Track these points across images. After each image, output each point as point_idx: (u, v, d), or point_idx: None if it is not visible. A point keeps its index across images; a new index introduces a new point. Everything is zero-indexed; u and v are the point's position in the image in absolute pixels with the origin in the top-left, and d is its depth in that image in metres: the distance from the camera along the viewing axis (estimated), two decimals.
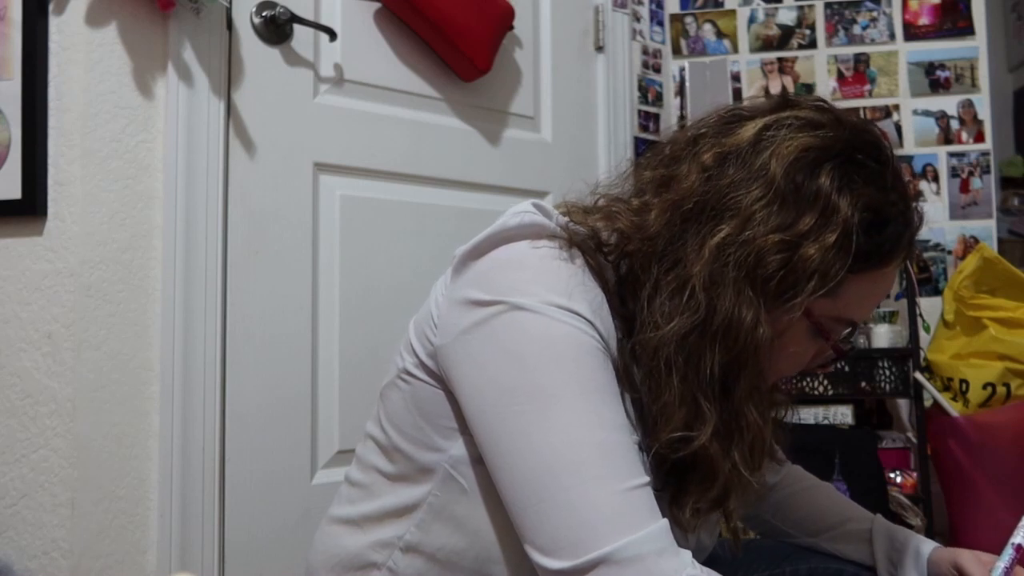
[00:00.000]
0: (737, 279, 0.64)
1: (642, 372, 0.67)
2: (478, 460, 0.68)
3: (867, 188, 0.66)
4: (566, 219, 0.71)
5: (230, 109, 1.35)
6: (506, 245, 0.68)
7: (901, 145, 2.27)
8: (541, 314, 0.63)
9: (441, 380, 0.70)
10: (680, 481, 0.69)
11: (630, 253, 0.69)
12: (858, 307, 0.70)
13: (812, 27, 2.32)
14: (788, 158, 0.65)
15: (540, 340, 0.63)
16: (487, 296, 0.65)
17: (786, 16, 2.34)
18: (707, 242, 0.65)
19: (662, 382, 0.66)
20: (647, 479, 0.63)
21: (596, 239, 0.70)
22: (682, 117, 2.22)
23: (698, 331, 0.65)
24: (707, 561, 0.76)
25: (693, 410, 0.66)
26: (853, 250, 0.64)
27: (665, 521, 0.62)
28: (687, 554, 0.62)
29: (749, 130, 0.68)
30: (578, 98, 1.90)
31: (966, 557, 0.80)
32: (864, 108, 2.29)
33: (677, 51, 2.37)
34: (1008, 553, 0.72)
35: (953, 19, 2.27)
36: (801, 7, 2.33)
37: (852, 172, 0.66)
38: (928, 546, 0.83)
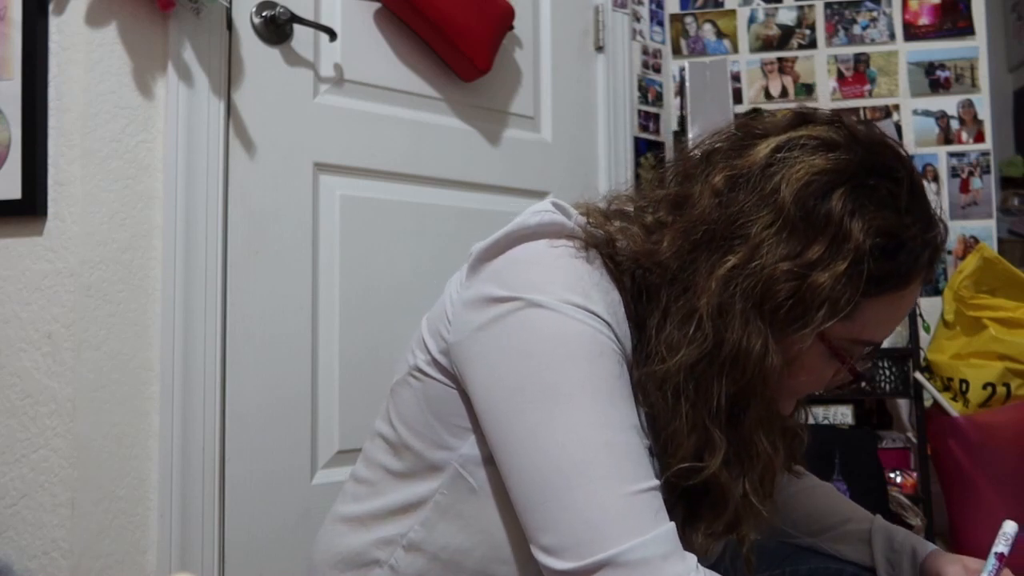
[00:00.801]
0: (745, 309, 0.64)
1: (652, 399, 0.67)
2: (488, 460, 0.68)
3: (880, 212, 0.64)
4: (585, 219, 0.71)
5: (230, 109, 1.35)
6: (524, 244, 0.68)
7: (901, 145, 2.26)
8: (557, 311, 0.63)
9: (454, 377, 0.70)
10: (692, 506, 0.68)
11: (643, 267, 0.69)
12: (877, 329, 0.69)
13: (812, 27, 2.33)
14: (799, 183, 0.64)
15: (555, 337, 0.63)
16: (504, 293, 0.65)
17: (786, 16, 2.34)
18: (715, 271, 0.64)
19: (671, 411, 0.65)
20: (655, 482, 0.62)
21: (612, 245, 0.69)
22: (682, 117, 2.22)
23: (706, 361, 0.64)
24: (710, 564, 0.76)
25: (703, 439, 0.65)
26: (866, 277, 0.63)
27: (672, 524, 0.61)
28: (692, 558, 0.61)
29: (761, 151, 0.67)
30: (578, 98, 1.90)
31: (951, 569, 0.79)
32: (864, 108, 2.29)
33: (677, 51, 2.37)
34: (991, 563, 0.72)
35: (953, 19, 2.27)
36: (801, 7, 2.33)
37: (865, 196, 0.64)
38: (925, 549, 0.83)
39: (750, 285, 0.63)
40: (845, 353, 0.69)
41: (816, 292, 0.63)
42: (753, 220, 0.64)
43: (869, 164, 0.65)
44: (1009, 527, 0.73)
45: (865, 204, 0.64)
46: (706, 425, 0.65)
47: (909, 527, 1.76)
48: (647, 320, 0.67)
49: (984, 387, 1.89)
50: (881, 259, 0.64)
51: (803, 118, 0.70)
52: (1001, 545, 0.72)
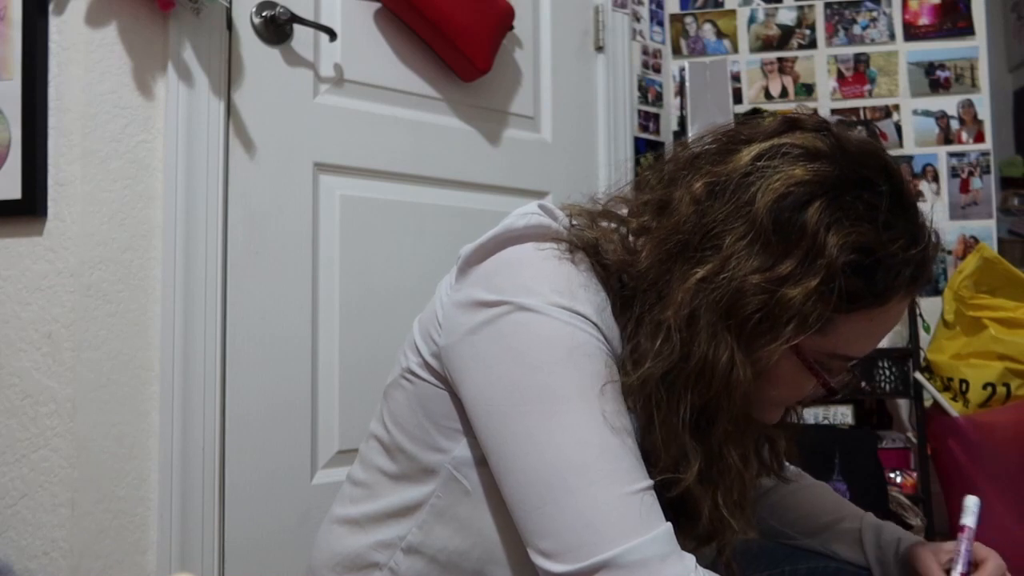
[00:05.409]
0: (712, 322, 0.62)
1: (632, 408, 0.66)
2: (481, 461, 0.68)
3: (857, 227, 0.62)
4: (572, 222, 0.71)
5: (230, 109, 1.35)
6: (512, 247, 0.68)
7: (901, 145, 2.27)
8: (546, 315, 0.63)
9: (445, 380, 0.70)
10: (673, 515, 0.68)
11: (625, 273, 0.68)
12: (854, 344, 0.67)
13: (812, 27, 2.33)
14: (775, 194, 0.62)
15: (545, 341, 0.63)
16: (492, 297, 0.65)
17: (786, 16, 2.34)
18: (685, 283, 0.63)
19: (646, 422, 0.65)
20: (650, 482, 0.63)
21: (597, 248, 0.69)
22: (682, 117, 2.23)
23: (673, 374, 0.63)
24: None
25: (679, 451, 0.65)
26: (839, 294, 0.61)
27: (669, 525, 0.61)
28: (691, 559, 0.61)
29: (744, 158, 0.65)
30: (578, 98, 1.90)
31: (922, 551, 0.79)
32: (864, 108, 2.29)
33: (677, 51, 2.37)
34: (962, 541, 0.74)
35: (953, 19, 2.27)
36: (801, 7, 2.33)
37: (843, 209, 0.62)
38: (908, 542, 0.83)
39: (717, 298, 0.62)
40: (822, 367, 0.67)
41: (785, 307, 0.61)
42: (727, 231, 0.63)
43: (852, 176, 0.63)
44: (971, 500, 0.75)
45: (842, 218, 0.62)
46: (680, 438, 0.64)
47: (909, 527, 1.76)
48: (622, 328, 0.67)
49: (984, 387, 1.89)
50: (855, 276, 0.62)
51: (791, 124, 0.68)
52: (968, 518, 0.75)
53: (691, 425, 0.65)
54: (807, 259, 0.61)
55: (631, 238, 0.70)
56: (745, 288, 0.62)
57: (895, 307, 0.65)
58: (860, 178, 0.63)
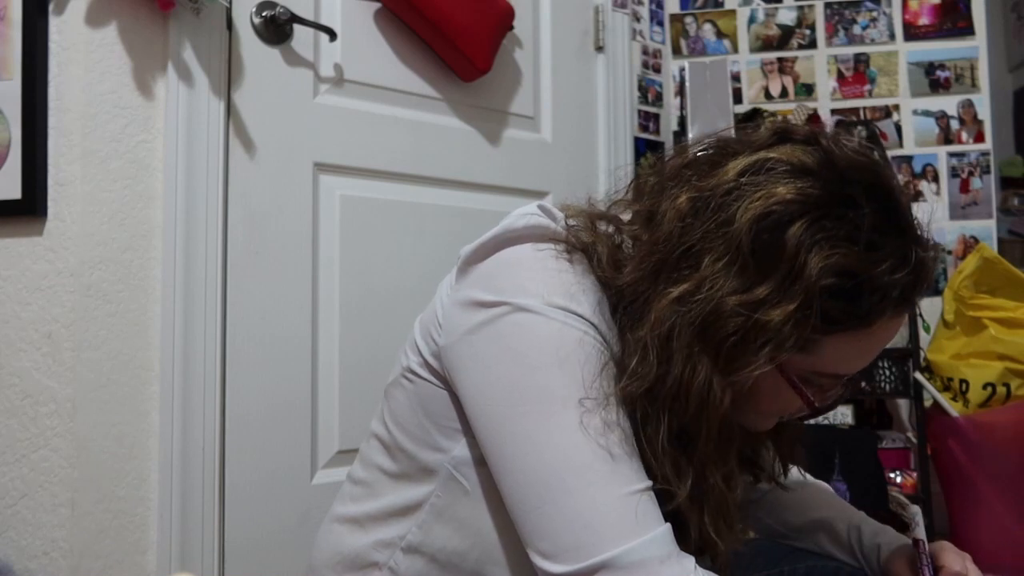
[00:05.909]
0: (688, 343, 0.62)
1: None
2: (480, 461, 0.68)
3: (839, 248, 0.59)
4: (571, 222, 0.71)
5: (230, 109, 1.35)
6: (510, 247, 0.68)
7: (901, 145, 2.27)
8: (544, 315, 0.63)
9: (445, 380, 0.70)
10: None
11: (614, 287, 0.68)
12: (844, 363, 0.66)
13: (812, 27, 2.33)
14: (755, 213, 0.60)
15: (543, 342, 0.63)
16: (491, 297, 0.65)
17: (786, 16, 2.34)
18: (661, 301, 0.63)
19: (635, 436, 0.64)
20: (649, 483, 0.63)
21: (594, 250, 0.69)
22: (682, 117, 2.23)
23: (652, 395, 0.63)
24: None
25: (668, 466, 0.64)
26: (821, 317, 0.60)
27: (668, 526, 0.61)
28: (690, 560, 0.61)
29: (729, 172, 0.64)
30: (578, 98, 1.90)
31: (898, 572, 0.79)
32: (864, 108, 2.29)
33: (677, 51, 2.37)
34: (925, 564, 0.75)
35: (953, 19, 2.27)
36: (801, 7, 2.33)
37: (825, 230, 0.60)
38: (886, 551, 0.83)
39: (692, 319, 0.61)
40: (812, 384, 0.66)
41: (762, 331, 0.60)
42: (706, 250, 0.62)
43: (837, 194, 0.61)
44: (914, 512, 0.78)
45: (823, 240, 0.60)
46: (663, 455, 0.64)
47: (908, 527, 1.76)
48: (620, 328, 0.66)
49: (984, 387, 1.89)
50: (835, 300, 0.60)
51: (781, 135, 0.66)
52: (918, 531, 0.77)
53: (675, 444, 0.64)
54: (786, 282, 0.60)
55: (626, 245, 0.70)
56: (721, 310, 0.61)
57: (884, 327, 0.64)
58: (845, 197, 0.61)
